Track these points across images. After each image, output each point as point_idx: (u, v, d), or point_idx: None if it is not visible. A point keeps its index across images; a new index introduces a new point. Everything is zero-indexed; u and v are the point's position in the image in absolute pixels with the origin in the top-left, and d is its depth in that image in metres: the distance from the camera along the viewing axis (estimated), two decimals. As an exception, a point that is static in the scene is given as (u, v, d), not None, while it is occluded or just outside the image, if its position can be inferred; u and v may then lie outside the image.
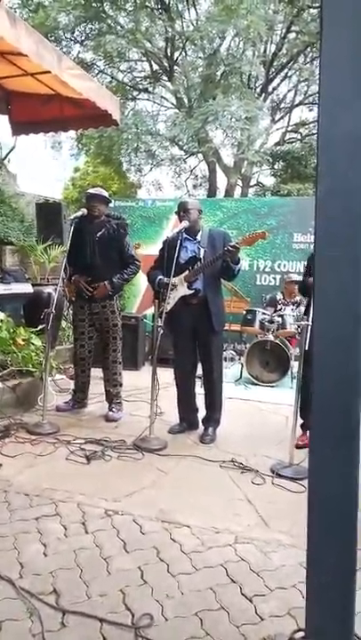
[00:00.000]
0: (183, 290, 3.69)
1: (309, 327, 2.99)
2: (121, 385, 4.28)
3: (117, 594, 1.91)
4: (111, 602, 1.86)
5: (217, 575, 2.06)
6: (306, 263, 4.10)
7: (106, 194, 4.13)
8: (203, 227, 3.84)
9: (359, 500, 1.38)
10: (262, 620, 1.80)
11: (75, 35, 12.39)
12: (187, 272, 3.67)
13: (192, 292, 3.66)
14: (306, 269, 4.01)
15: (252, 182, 15.07)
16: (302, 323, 3.15)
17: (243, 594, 1.94)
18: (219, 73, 11.75)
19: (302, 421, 3.50)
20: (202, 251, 3.69)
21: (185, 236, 3.73)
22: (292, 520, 2.48)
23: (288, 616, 1.82)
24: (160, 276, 3.74)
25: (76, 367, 4.33)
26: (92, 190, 4.18)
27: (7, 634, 1.67)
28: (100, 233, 4.01)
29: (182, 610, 1.83)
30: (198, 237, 3.76)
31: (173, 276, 3.61)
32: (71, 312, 4.46)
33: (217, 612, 1.83)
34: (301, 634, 1.47)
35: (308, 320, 3.09)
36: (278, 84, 14.03)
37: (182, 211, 3.72)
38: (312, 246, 3.92)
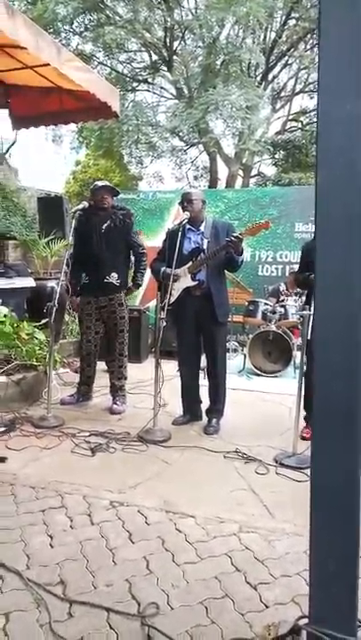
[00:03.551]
0: (187, 281, 3.68)
1: (311, 317, 2.98)
2: (126, 378, 4.28)
3: (123, 584, 1.93)
4: (117, 591, 1.88)
5: (222, 564, 2.08)
6: (300, 254, 3.99)
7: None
8: (206, 217, 3.82)
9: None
10: (267, 607, 1.82)
11: (73, 26, 12.32)
12: (190, 263, 3.66)
13: (196, 283, 3.65)
14: (301, 261, 3.93)
15: (254, 172, 15.01)
16: (304, 312, 3.14)
17: (247, 582, 1.96)
18: (218, 62, 11.65)
19: (306, 414, 3.49)
20: (205, 242, 3.67)
21: (188, 227, 3.72)
22: (295, 508, 2.50)
23: (292, 603, 1.84)
24: (164, 267, 3.73)
25: (82, 362, 4.33)
26: (100, 182, 4.19)
27: (15, 624, 1.70)
28: (105, 225, 4.01)
29: (188, 598, 1.85)
30: (202, 228, 3.73)
31: (177, 267, 3.61)
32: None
33: (222, 601, 1.85)
34: (305, 621, 1.48)
35: (310, 310, 3.08)
36: (279, 72, 13.93)
37: (185, 201, 3.70)
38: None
